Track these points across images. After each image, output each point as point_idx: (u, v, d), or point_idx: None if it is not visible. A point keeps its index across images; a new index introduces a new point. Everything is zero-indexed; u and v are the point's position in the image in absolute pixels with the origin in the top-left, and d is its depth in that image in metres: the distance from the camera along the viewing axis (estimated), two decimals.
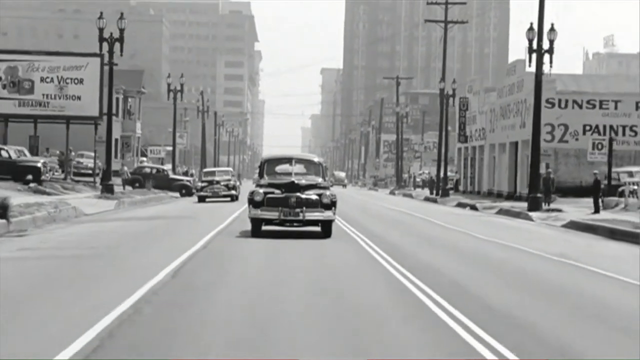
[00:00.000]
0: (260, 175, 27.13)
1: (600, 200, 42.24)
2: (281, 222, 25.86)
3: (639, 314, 13.49)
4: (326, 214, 25.70)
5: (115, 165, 63.05)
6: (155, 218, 36.50)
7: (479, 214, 49.19)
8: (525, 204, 47.36)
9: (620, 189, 46.25)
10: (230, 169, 73.24)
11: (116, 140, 77.50)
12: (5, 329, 11.16)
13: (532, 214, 42.82)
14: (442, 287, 15.51)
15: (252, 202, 25.85)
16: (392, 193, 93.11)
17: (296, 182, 25.95)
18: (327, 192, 25.98)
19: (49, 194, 44.90)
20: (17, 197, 36.14)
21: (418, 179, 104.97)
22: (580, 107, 59.63)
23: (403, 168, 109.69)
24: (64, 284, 15.76)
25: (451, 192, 75.50)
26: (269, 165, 27.41)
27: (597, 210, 41.07)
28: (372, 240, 25.31)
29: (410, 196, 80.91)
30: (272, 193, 25.82)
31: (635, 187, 45.07)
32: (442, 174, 75.00)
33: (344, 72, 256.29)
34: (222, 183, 56.91)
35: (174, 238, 25.95)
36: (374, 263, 19.82)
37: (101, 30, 47.66)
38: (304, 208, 25.47)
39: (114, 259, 19.83)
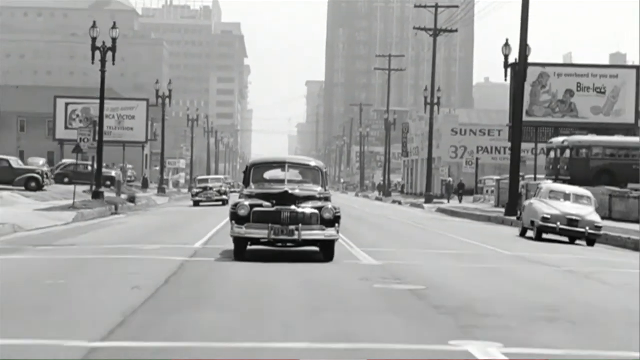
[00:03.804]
0: (246, 184, 22.65)
1: (462, 196, 69.31)
2: (271, 242, 21.56)
3: (385, 222, 40.16)
4: (328, 233, 21.35)
5: (147, 174, 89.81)
6: (200, 206, 63.30)
7: (399, 206, 76.00)
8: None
9: (484, 190, 73.37)
10: (222, 176, 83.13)
11: (147, 156, 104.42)
12: (182, 230, 37.64)
13: (425, 205, 69.70)
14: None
15: (236, 217, 21.21)
16: (357, 195, 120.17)
17: (290, 192, 21.34)
18: (329, 205, 21.53)
19: (124, 193, 71.32)
20: (107, 195, 62.46)
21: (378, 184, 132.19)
22: (475, 134, 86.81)
23: (367, 175, 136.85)
24: (197, 219, 42.44)
25: (398, 194, 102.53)
26: (256, 170, 22.78)
27: (460, 202, 68.07)
28: None
29: (367, 197, 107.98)
30: (261, 206, 21.22)
31: (493, 188, 71.88)
32: (387, 181, 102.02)
33: (326, 87, 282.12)
34: (214, 189, 62.09)
35: (216, 214, 52.27)
36: None
37: (157, 91, 74.58)
38: (300, 225, 21.04)
39: (201, 216, 46.55)
